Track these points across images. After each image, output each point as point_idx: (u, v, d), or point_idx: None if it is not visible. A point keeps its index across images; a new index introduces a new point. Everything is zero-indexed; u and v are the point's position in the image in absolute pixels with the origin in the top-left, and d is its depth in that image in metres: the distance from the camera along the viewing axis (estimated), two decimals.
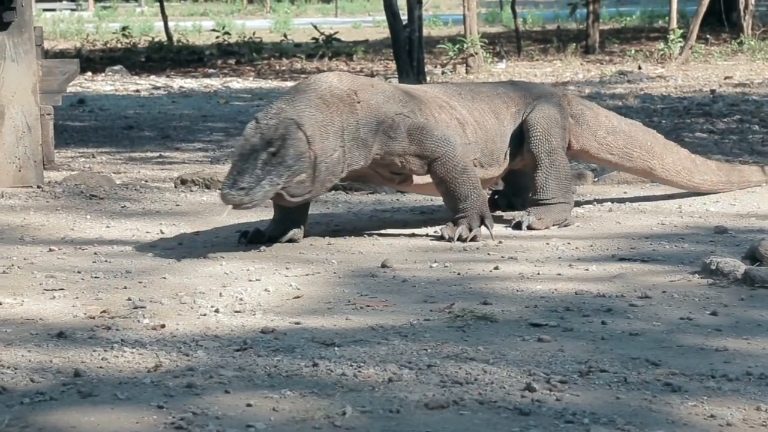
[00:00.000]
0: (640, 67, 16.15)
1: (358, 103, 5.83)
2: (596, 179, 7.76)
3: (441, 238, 5.93)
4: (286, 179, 5.55)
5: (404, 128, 5.88)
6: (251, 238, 5.89)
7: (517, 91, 6.55)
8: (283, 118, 5.61)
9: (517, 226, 6.25)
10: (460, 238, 5.87)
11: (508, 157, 6.39)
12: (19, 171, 7.38)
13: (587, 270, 5.31)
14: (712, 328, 4.36)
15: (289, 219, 5.97)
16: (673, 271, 5.25)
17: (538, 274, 5.24)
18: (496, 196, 6.83)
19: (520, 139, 6.38)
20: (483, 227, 5.94)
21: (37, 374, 3.81)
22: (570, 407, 3.48)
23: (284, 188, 5.58)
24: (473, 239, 5.89)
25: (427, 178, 6.05)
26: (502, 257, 5.59)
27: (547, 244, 5.88)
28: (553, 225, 6.28)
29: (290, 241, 5.88)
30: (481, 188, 6.03)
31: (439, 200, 6.70)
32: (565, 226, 6.31)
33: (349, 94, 5.83)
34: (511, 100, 6.44)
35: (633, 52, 18.11)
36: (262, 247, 5.79)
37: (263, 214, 6.47)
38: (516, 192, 6.78)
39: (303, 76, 16.79)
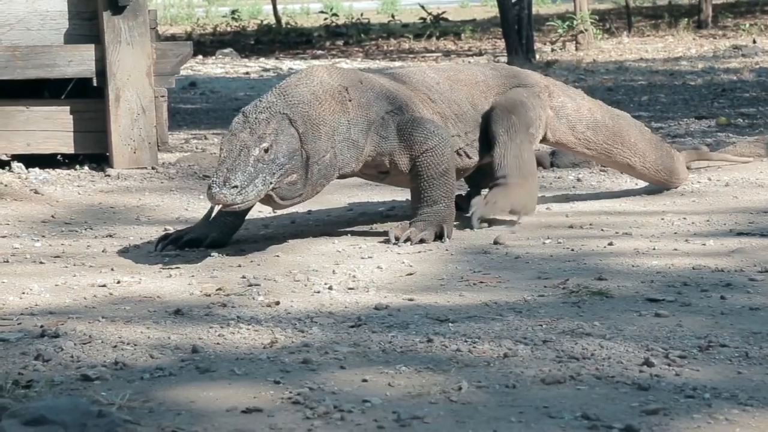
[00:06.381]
0: (755, 41, 15.83)
1: (350, 101, 5.44)
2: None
3: (387, 240, 5.41)
4: (278, 178, 5.15)
5: (394, 125, 5.48)
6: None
7: (497, 79, 6.08)
8: (275, 112, 5.21)
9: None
10: (406, 240, 5.36)
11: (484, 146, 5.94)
12: (134, 153, 7.49)
13: (704, 245, 5.22)
14: None
15: None
16: None
17: (654, 249, 5.16)
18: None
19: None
20: (436, 239, 5.44)
21: (156, 350, 3.86)
22: (690, 382, 3.43)
23: (275, 189, 5.17)
24: (421, 241, 5.38)
25: None
26: (616, 233, 5.52)
27: (662, 219, 5.79)
28: (510, 210, 5.78)
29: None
30: (453, 199, 5.53)
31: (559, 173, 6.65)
32: (525, 215, 5.84)
33: (340, 91, 5.43)
34: (489, 89, 6.00)
35: (747, 26, 17.75)
36: (373, 225, 5.80)
37: (374, 192, 6.48)
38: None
39: (411, 56, 16.78)
